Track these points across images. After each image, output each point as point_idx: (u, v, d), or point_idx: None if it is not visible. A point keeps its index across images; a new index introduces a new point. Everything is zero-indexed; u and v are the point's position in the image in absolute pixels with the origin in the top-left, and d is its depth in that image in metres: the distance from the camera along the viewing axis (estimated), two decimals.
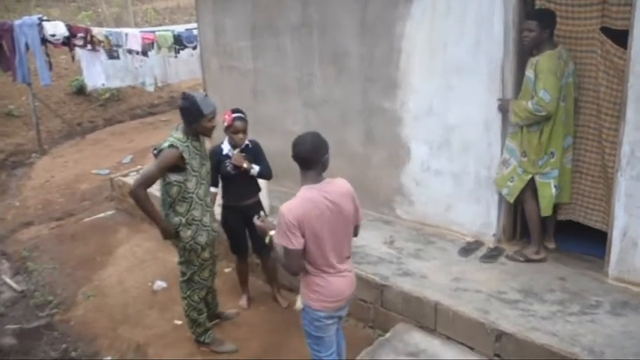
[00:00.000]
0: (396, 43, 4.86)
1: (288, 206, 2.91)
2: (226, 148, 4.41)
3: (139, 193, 3.68)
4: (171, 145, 3.67)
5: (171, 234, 3.85)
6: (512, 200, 4.36)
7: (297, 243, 2.89)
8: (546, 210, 4.22)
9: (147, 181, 3.69)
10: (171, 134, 3.78)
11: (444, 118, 4.71)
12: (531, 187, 4.23)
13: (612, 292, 3.92)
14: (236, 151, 4.38)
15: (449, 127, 4.70)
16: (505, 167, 4.34)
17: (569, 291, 3.97)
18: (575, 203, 4.45)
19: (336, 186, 3.03)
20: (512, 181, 4.29)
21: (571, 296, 3.91)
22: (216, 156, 4.39)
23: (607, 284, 4.03)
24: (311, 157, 2.96)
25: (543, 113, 3.93)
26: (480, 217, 4.70)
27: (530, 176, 4.19)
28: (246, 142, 4.45)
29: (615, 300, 3.84)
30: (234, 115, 4.32)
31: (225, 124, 4.31)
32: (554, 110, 3.94)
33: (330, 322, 3.12)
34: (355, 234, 3.24)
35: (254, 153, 4.45)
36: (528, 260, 4.34)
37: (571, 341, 3.41)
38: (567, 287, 4.02)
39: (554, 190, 4.17)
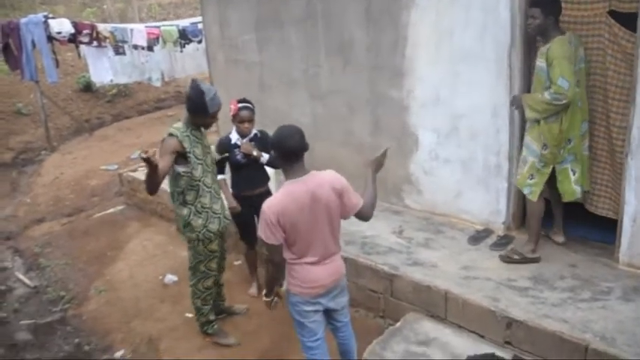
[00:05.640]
0: (402, 31, 4.83)
1: (269, 203, 2.95)
2: (234, 137, 4.46)
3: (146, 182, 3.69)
4: (170, 134, 3.74)
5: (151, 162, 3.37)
6: (535, 199, 4.09)
7: (275, 239, 2.95)
8: (568, 195, 4.09)
9: None
10: (172, 125, 3.85)
11: (452, 105, 4.68)
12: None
13: (623, 278, 3.90)
14: (245, 139, 4.41)
15: (456, 114, 4.68)
16: (523, 165, 4.15)
17: (580, 277, 3.95)
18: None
19: (318, 178, 3.01)
20: (532, 179, 4.08)
21: (582, 283, 3.89)
22: (225, 145, 4.45)
23: (618, 270, 4.00)
24: (301, 150, 2.98)
25: (564, 101, 3.72)
26: (489, 205, 4.68)
27: (551, 167, 4.01)
28: (255, 131, 4.48)
29: (626, 286, 3.81)
30: (240, 104, 4.36)
31: (231, 113, 4.36)
32: (573, 97, 3.78)
33: (308, 308, 3.14)
34: (364, 219, 3.20)
35: (263, 143, 4.45)
36: (524, 258, 4.17)
37: (582, 328, 3.40)
38: (578, 274, 4.00)
39: (572, 174, 4.05)
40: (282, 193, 2.97)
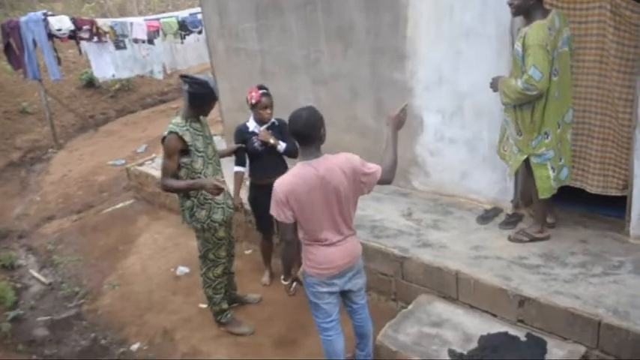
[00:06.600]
0: (402, 11, 4.79)
1: (279, 182, 3.04)
2: (252, 125, 4.45)
3: (165, 185, 3.83)
4: (170, 132, 3.76)
5: (212, 184, 3.67)
6: (511, 178, 4.22)
7: (285, 217, 3.04)
8: (544, 192, 3.90)
9: (164, 174, 3.82)
10: (171, 121, 3.86)
11: (455, 85, 4.65)
12: None
13: (634, 252, 3.88)
14: (263, 127, 4.41)
15: (460, 94, 4.64)
16: (507, 142, 4.09)
17: (591, 253, 3.94)
18: (584, 170, 4.34)
19: (329, 163, 3.03)
20: (510, 159, 4.06)
21: (593, 258, 3.88)
22: (242, 134, 4.45)
23: (629, 244, 3.98)
24: (307, 133, 3.01)
25: (534, 92, 3.57)
26: (497, 183, 4.66)
27: (525, 156, 3.89)
28: (273, 120, 4.47)
29: (638, 259, 3.79)
30: (261, 91, 4.35)
31: (253, 101, 4.34)
32: (545, 88, 3.57)
33: (323, 289, 3.20)
34: (386, 184, 3.21)
35: (281, 131, 4.45)
36: (533, 239, 4.13)
37: (595, 303, 3.39)
38: (589, 249, 3.99)
39: (551, 171, 3.87)
40: (292, 174, 3.04)
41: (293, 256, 3.22)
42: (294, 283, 3.35)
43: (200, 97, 3.78)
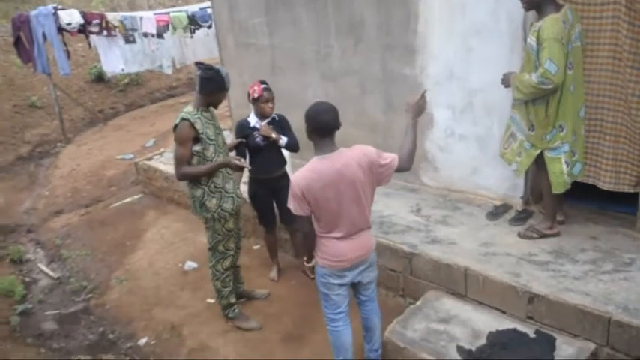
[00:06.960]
0: (413, 8, 4.76)
1: (296, 176, 3.05)
2: (253, 120, 4.48)
3: (182, 174, 3.88)
4: (182, 119, 3.80)
5: (232, 162, 3.92)
6: (520, 176, 4.19)
7: (302, 210, 3.07)
8: (558, 187, 3.86)
9: (180, 162, 3.84)
10: (182, 110, 3.89)
11: (466, 81, 4.62)
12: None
13: None
14: (264, 122, 4.42)
15: (471, 90, 4.61)
16: (513, 141, 4.06)
17: (601, 249, 3.91)
18: (596, 167, 4.31)
19: (345, 157, 3.03)
20: (520, 157, 4.02)
21: (603, 255, 3.85)
22: (244, 129, 4.48)
23: (639, 241, 3.94)
24: (333, 126, 3.02)
25: (550, 86, 3.54)
26: (507, 180, 4.63)
27: (538, 151, 3.86)
28: (274, 115, 4.50)
29: None
30: (263, 85, 4.40)
31: (256, 95, 4.38)
32: (560, 82, 3.55)
33: (334, 281, 3.23)
34: (404, 171, 3.24)
35: (281, 126, 4.50)
36: (543, 236, 4.11)
37: (604, 300, 3.37)
38: (599, 246, 3.96)
39: (564, 166, 3.84)
40: (308, 169, 3.03)
41: (312, 246, 3.25)
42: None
43: (211, 82, 3.81)
